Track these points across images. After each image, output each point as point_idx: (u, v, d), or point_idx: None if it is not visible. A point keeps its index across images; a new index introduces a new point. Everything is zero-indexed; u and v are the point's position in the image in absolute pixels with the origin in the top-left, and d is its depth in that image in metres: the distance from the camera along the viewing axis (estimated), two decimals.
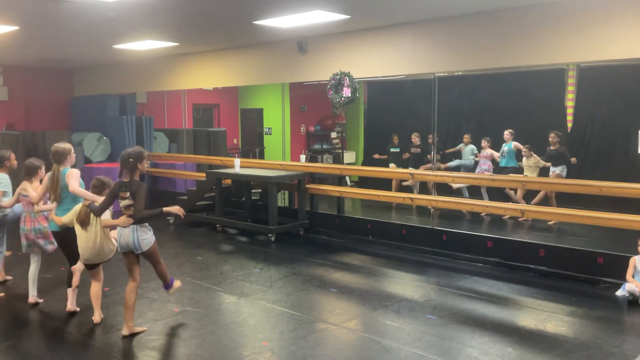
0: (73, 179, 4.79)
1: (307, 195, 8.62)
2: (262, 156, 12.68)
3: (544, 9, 6.16)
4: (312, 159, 12.33)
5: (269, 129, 12.87)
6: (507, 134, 9.07)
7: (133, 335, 4.55)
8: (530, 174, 8.59)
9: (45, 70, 12.22)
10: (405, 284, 6.20)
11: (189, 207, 9.43)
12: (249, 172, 8.83)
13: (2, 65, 11.63)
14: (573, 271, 6.09)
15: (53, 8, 6.09)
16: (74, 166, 5.08)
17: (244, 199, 9.46)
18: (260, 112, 13.07)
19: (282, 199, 9.85)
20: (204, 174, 9.39)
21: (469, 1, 6.16)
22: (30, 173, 5.36)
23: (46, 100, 12.24)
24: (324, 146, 12.95)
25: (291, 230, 8.44)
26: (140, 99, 12.23)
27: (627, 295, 5.39)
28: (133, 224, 4.39)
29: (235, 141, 13.56)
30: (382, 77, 8.18)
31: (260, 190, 9.63)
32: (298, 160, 10.23)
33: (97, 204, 4.55)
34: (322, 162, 12.25)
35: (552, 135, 8.53)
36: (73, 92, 12.80)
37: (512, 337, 4.53)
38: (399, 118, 11.51)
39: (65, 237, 4.88)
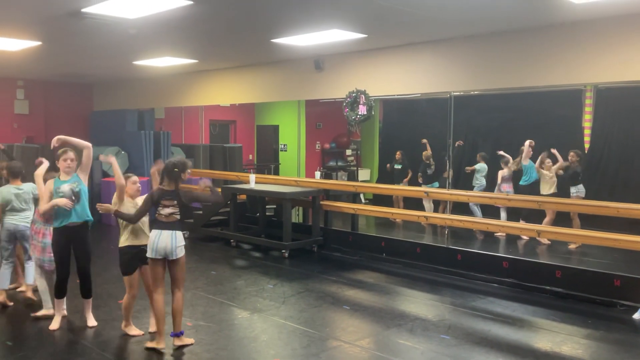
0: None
1: (322, 212, 8.62)
2: (277, 172, 12.74)
3: (561, 30, 6.17)
4: (326, 176, 12.36)
5: (284, 145, 12.94)
6: (527, 144, 8.92)
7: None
8: (547, 188, 8.45)
9: (66, 85, 12.44)
10: (419, 303, 6.16)
11: (204, 221, 9.48)
12: (263, 187, 8.88)
13: (23, 79, 11.86)
14: (589, 293, 6.01)
15: (76, 24, 6.22)
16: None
17: (258, 214, 9.49)
18: (276, 128, 13.16)
19: (296, 215, 9.86)
20: (220, 189, 9.45)
21: (486, 22, 6.19)
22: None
23: (66, 114, 12.44)
24: (339, 163, 12.98)
25: (305, 247, 8.44)
26: (158, 115, 12.38)
27: None
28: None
29: (250, 157, 13.65)
30: (398, 95, 8.22)
31: (274, 206, 9.66)
32: (313, 176, 10.26)
33: (126, 211, 4.62)
34: (336, 179, 12.26)
35: (571, 154, 8.39)
36: (93, 107, 13.00)
37: (527, 359, 4.47)
38: (415, 136, 11.51)
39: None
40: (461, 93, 7.47)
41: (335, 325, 5.41)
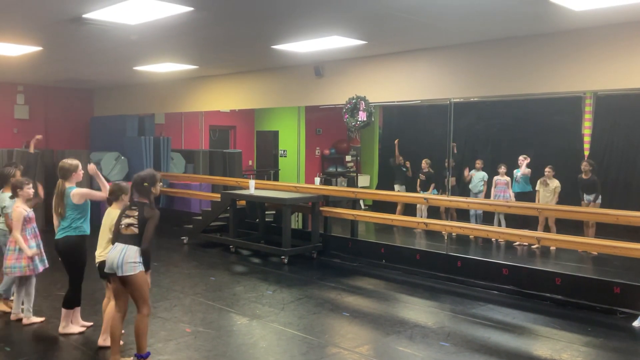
0: (78, 195, 4.78)
1: (321, 218, 8.62)
2: (276, 178, 12.74)
3: (561, 37, 6.19)
4: (326, 181, 12.36)
5: (284, 151, 12.95)
6: (521, 159, 8.99)
7: None
8: (549, 199, 8.45)
9: (66, 90, 12.46)
10: (418, 310, 6.15)
11: (204, 227, 9.47)
12: (263, 193, 8.87)
13: (23, 85, 11.88)
14: (589, 301, 6.00)
15: (77, 30, 6.23)
16: (80, 184, 5.09)
17: (257, 220, 9.48)
18: (275, 134, 13.17)
19: (295, 221, 9.85)
20: (219, 195, 9.45)
21: (485, 29, 6.21)
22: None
23: (66, 120, 12.46)
24: (339, 169, 12.99)
25: (304, 253, 8.43)
26: (158, 120, 12.40)
27: None
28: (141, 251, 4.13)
29: (250, 163, 13.65)
30: (398, 101, 8.23)
31: (274, 212, 9.65)
32: (312, 182, 10.26)
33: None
34: (336, 185, 12.26)
35: (584, 163, 8.40)
36: (93, 112, 13.02)
37: None
38: (414, 143, 11.52)
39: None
40: (461, 100, 7.48)
41: (335, 332, 5.39)
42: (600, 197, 8.33)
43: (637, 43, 5.69)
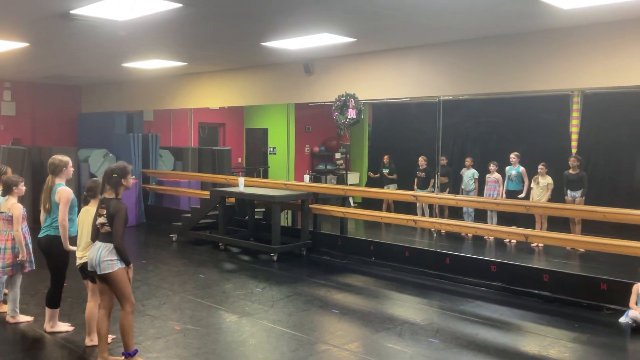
0: (63, 204, 4.68)
1: (311, 215, 8.62)
2: (266, 175, 12.72)
3: (549, 35, 6.23)
4: (316, 179, 12.36)
5: (273, 148, 12.94)
6: (513, 156, 9.01)
7: None
8: (542, 196, 8.51)
9: (54, 87, 12.35)
10: (407, 307, 6.17)
11: (193, 224, 9.44)
12: (252, 191, 8.86)
13: (10, 81, 11.76)
14: (576, 297, 6.06)
15: (64, 26, 6.18)
16: (70, 182, 5.05)
17: (247, 217, 9.47)
18: (265, 131, 13.15)
19: (285, 219, 9.85)
20: (208, 192, 9.42)
21: (475, 27, 6.23)
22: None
23: (53, 116, 12.35)
24: (328, 167, 12.99)
25: (294, 250, 8.44)
26: (147, 117, 12.33)
27: (630, 322, 5.35)
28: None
29: (239, 160, 13.62)
30: (387, 99, 8.24)
31: (263, 210, 9.64)
32: (302, 180, 10.26)
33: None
34: (326, 182, 12.27)
35: (572, 159, 8.45)
36: (81, 109, 12.92)
37: None
38: (404, 140, 11.56)
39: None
40: (450, 97, 7.50)
41: (324, 329, 5.40)
42: (585, 192, 8.39)
43: (623, 41, 5.74)
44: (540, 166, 8.57)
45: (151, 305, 5.79)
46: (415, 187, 10.04)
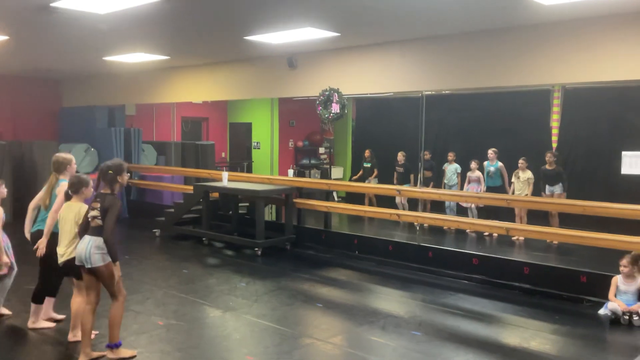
0: (60, 195, 4.68)
1: (295, 210, 8.63)
2: (250, 170, 12.69)
3: (530, 31, 6.28)
4: (300, 173, 12.37)
5: (257, 143, 12.92)
6: (491, 153, 9.07)
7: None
8: (523, 190, 8.61)
9: (34, 80, 12.18)
10: (391, 300, 6.22)
11: (176, 219, 9.40)
12: (236, 185, 8.84)
13: None
14: (557, 289, 6.14)
15: (44, 18, 6.10)
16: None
17: (231, 212, 9.45)
18: (249, 126, 13.12)
19: (269, 213, 9.85)
20: (192, 187, 9.38)
21: (457, 22, 6.27)
22: None
23: (34, 110, 12.18)
24: (312, 161, 13.01)
25: (278, 245, 8.44)
26: (129, 111, 12.22)
27: (609, 314, 5.44)
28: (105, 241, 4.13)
29: (223, 155, 13.57)
30: (370, 94, 8.27)
31: (247, 204, 9.62)
32: (286, 174, 10.26)
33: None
34: (309, 177, 12.28)
35: (548, 154, 8.52)
36: (62, 103, 12.76)
37: (496, 355, 4.56)
38: (387, 135, 11.60)
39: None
40: (433, 92, 7.55)
41: (308, 323, 5.43)
42: (566, 187, 8.48)
43: (603, 37, 5.82)
44: (520, 161, 8.67)
45: (134, 300, 5.76)
46: (395, 182, 10.11)
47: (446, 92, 8.61)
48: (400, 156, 10.20)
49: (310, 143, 13.14)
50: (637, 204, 5.87)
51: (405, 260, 7.38)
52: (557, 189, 8.45)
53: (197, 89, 10.19)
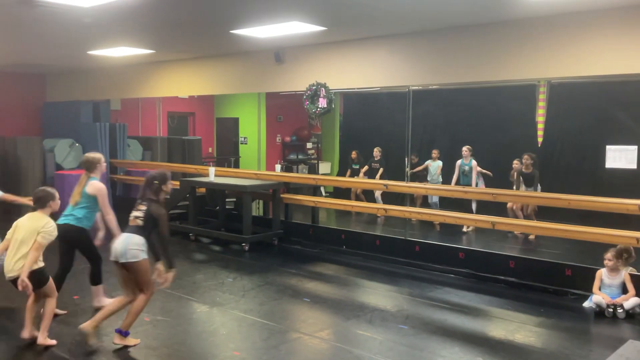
0: (103, 197, 5.08)
1: (282, 205, 8.62)
2: (237, 165, 12.65)
3: (516, 26, 6.31)
4: (287, 169, 12.35)
5: (244, 138, 12.87)
6: (465, 150, 9.01)
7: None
8: (526, 186, 8.64)
9: (17, 75, 12.02)
10: (378, 294, 6.24)
11: None
12: (223, 181, 8.80)
13: None
14: (542, 283, 6.20)
15: (27, 12, 6.01)
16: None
17: (218, 208, 9.42)
18: (236, 121, 13.07)
19: (256, 209, 9.83)
20: (178, 183, 9.33)
21: (443, 17, 6.28)
22: None
23: (17, 105, 12.02)
24: (300, 156, 12.99)
25: (265, 240, 8.43)
26: (114, 106, 12.11)
27: (594, 306, 5.51)
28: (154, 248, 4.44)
29: (210, 150, 13.52)
30: (358, 88, 8.26)
31: (234, 200, 9.59)
32: (273, 170, 10.24)
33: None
34: (297, 172, 12.27)
35: (525, 157, 8.42)
36: (46, 98, 12.62)
37: (482, 347, 4.59)
38: (375, 130, 11.61)
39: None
40: (420, 87, 7.56)
41: (295, 318, 5.43)
42: (539, 189, 8.44)
43: (588, 32, 5.85)
44: (525, 156, 8.69)
45: (118, 296, 5.71)
46: (368, 177, 10.14)
47: (433, 87, 8.63)
48: (377, 152, 10.22)
49: (297, 138, 13.12)
50: (621, 198, 5.93)
51: (393, 254, 7.41)
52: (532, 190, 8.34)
53: (183, 84, 10.12)
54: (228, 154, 13.20)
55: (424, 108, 9.63)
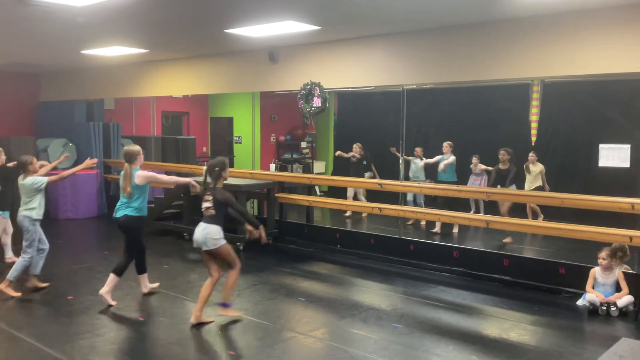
0: (153, 176, 5.63)
1: (277, 204, 8.61)
2: (231, 165, 12.62)
3: (511, 25, 6.33)
4: (282, 168, 12.34)
5: (239, 137, 12.84)
6: (446, 146, 8.93)
7: (200, 324, 4.92)
8: (534, 183, 8.64)
9: (11, 75, 11.96)
10: (372, 293, 6.24)
11: (157, 215, 9.33)
12: None
13: None
14: (536, 281, 6.23)
15: (19, 11, 5.98)
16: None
17: None
18: (230, 120, 13.03)
19: (251, 208, 9.82)
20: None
21: (437, 16, 6.28)
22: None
23: (11, 105, 11.97)
24: (294, 156, 12.98)
25: (260, 239, 8.40)
26: (108, 106, 12.07)
27: (587, 304, 5.54)
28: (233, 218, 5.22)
29: (204, 149, 13.48)
30: (352, 88, 8.26)
31: None
32: (268, 169, 10.23)
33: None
34: (291, 171, 12.26)
35: (501, 152, 8.16)
36: (39, 97, 12.56)
37: (476, 346, 4.60)
38: (369, 129, 11.62)
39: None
40: (414, 86, 7.57)
41: (290, 317, 5.43)
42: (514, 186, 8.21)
43: (580, 31, 5.88)
44: (530, 154, 8.73)
45: (114, 296, 5.69)
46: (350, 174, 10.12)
47: (427, 86, 8.64)
48: (356, 148, 10.13)
49: (292, 137, 13.10)
50: (614, 196, 5.96)
51: (387, 253, 7.42)
52: (511, 189, 8.09)
53: (177, 83, 10.10)
54: (222, 153, 13.16)
55: (418, 107, 9.64)
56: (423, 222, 9.12)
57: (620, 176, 8.15)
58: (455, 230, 8.65)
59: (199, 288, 6.10)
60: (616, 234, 5.72)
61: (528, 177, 8.77)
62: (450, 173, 8.91)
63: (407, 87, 7.39)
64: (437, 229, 8.62)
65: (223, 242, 4.91)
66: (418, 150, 9.68)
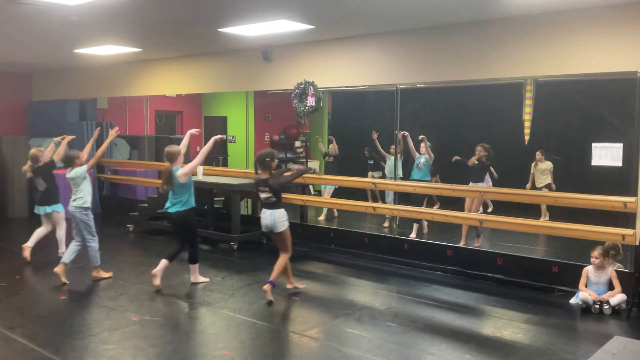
0: (192, 166, 5.99)
1: None
2: (225, 164, 12.60)
3: (503, 24, 6.35)
4: (276, 167, 12.30)
5: (233, 137, 12.81)
6: (423, 145, 8.85)
7: (296, 288, 5.94)
8: (543, 181, 8.67)
9: (3, 74, 11.90)
10: (366, 292, 6.25)
11: (150, 214, 9.30)
12: (212, 179, 8.77)
13: None
14: (529, 280, 6.25)
15: (11, 10, 5.95)
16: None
17: (206, 206, 9.38)
18: (224, 119, 12.99)
19: (245, 207, 9.81)
20: None
21: (430, 15, 6.30)
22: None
23: (3, 105, 11.91)
24: (288, 155, 12.96)
25: (254, 239, 8.41)
26: (101, 105, 12.02)
27: (580, 303, 5.56)
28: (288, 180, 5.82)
29: (198, 149, 13.43)
30: (346, 87, 8.26)
31: (223, 198, 9.56)
32: None
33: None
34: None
35: (478, 148, 7.97)
36: (32, 97, 12.50)
37: (470, 344, 4.62)
38: (363, 128, 11.60)
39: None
40: (407, 86, 7.58)
41: (284, 316, 5.42)
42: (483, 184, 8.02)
43: (574, 31, 5.91)
44: (538, 152, 8.76)
45: (107, 296, 5.69)
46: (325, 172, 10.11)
47: (420, 85, 8.64)
48: (332, 148, 10.18)
49: (286, 137, 13.09)
50: (606, 195, 5.99)
51: (381, 252, 7.43)
52: (483, 185, 7.87)
53: (171, 82, 10.07)
54: (216, 153, 13.12)
55: (411, 106, 9.63)
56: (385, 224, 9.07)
57: (613, 175, 8.18)
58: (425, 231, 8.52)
59: (194, 288, 6.14)
60: (609, 233, 5.75)
61: (537, 175, 8.82)
62: (425, 171, 8.81)
63: (401, 86, 7.39)
64: (412, 235, 8.29)
65: (287, 224, 5.64)
66: (393, 148, 9.65)
